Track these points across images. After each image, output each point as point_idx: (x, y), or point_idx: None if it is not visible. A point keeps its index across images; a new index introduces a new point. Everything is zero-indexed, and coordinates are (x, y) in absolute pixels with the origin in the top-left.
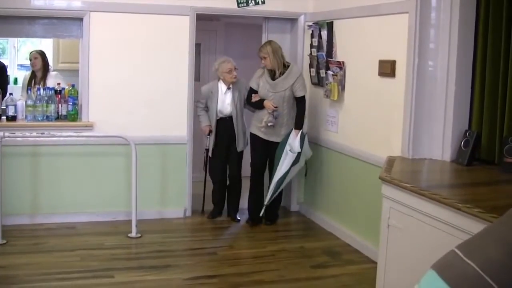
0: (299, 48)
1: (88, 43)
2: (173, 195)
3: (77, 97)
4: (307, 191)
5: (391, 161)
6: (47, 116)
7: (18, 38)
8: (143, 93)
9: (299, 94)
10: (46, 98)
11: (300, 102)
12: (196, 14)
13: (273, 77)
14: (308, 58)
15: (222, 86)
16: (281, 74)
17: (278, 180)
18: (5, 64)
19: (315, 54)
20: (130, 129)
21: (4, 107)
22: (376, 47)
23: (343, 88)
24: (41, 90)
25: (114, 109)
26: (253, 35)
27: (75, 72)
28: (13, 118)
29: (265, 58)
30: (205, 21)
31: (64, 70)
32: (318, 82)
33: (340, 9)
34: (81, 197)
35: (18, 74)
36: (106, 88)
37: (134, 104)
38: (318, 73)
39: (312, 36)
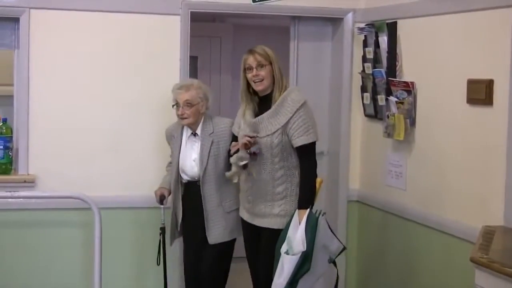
0: (345, 63)
1: (28, 56)
2: (154, 283)
3: (11, 137)
4: (359, 278)
5: (489, 233)
6: None
7: None
8: (108, 132)
9: (298, 142)
10: None
11: (303, 156)
12: (191, 12)
13: (259, 112)
14: (359, 77)
15: (186, 130)
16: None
17: None
18: None
19: (370, 72)
20: (89, 185)
21: None
22: (463, 59)
23: (412, 123)
24: None
25: (65, 155)
26: (275, 43)
27: (7, 99)
28: None
29: (262, 66)
30: (204, 23)
31: None
32: (375, 113)
33: (406, 2)
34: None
35: None
36: (54, 124)
37: (96, 148)
38: (374, 99)
39: (365, 44)
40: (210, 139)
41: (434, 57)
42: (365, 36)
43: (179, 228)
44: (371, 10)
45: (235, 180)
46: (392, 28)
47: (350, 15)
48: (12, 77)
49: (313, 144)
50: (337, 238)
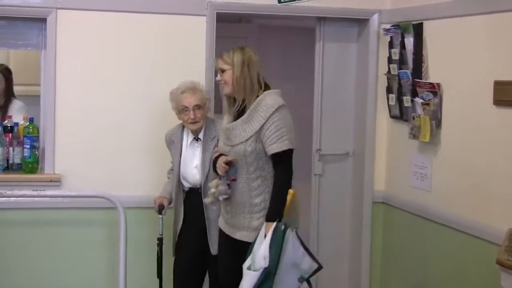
0: (371, 64)
1: (54, 57)
2: None
3: (38, 137)
4: (383, 280)
5: None
6: None
7: None
8: (135, 132)
9: (271, 150)
10: None
11: (276, 165)
12: (217, 13)
13: (237, 118)
14: (385, 78)
15: (187, 134)
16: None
17: None
18: None
19: (396, 73)
20: (115, 185)
21: None
22: (490, 61)
23: (438, 124)
24: None
25: (92, 155)
26: (300, 44)
27: (34, 99)
28: None
29: (223, 72)
30: (229, 24)
31: (16, 95)
32: (401, 115)
33: (433, 3)
34: None
35: None
36: (80, 123)
37: (122, 148)
38: (400, 101)
39: (391, 45)
40: (212, 143)
41: (460, 58)
42: (391, 37)
43: (174, 238)
44: (397, 11)
45: (215, 206)
46: (418, 29)
47: (376, 16)
48: (39, 77)
49: (287, 152)
50: (312, 256)
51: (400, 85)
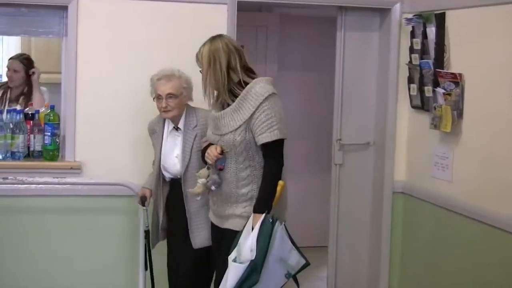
0: (392, 54)
1: (76, 45)
2: None
3: (58, 124)
4: (403, 271)
5: None
6: (13, 153)
7: None
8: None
9: (261, 139)
10: (11, 126)
11: (267, 155)
12: (238, 1)
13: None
14: (406, 68)
15: (168, 124)
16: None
17: None
18: None
19: (417, 63)
20: (135, 173)
21: None
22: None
23: (460, 114)
24: (4, 113)
25: (112, 143)
26: (322, 34)
27: (55, 87)
28: None
29: (201, 70)
30: (250, 13)
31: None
32: (422, 105)
33: None
34: (63, 277)
35: None
36: (101, 112)
37: (141, 136)
38: (421, 91)
39: (412, 35)
40: (193, 132)
41: (483, 49)
42: (413, 27)
43: (160, 230)
44: (419, 1)
45: (198, 198)
46: (440, 19)
47: (397, 6)
48: (60, 65)
49: (278, 142)
50: (299, 252)
51: (421, 75)
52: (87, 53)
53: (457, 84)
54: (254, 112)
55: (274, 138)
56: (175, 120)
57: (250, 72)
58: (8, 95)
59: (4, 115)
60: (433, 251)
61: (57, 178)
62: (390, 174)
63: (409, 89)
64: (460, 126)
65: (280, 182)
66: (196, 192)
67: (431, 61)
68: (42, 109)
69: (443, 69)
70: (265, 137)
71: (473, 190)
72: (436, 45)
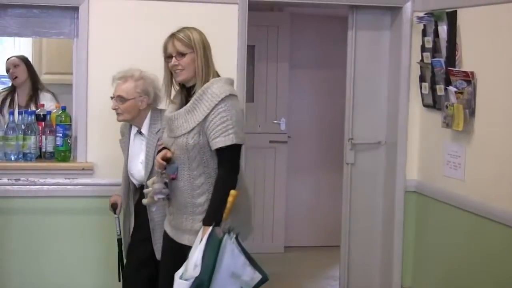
0: (403, 52)
1: (87, 45)
2: None
3: (70, 125)
4: (416, 271)
5: None
6: (25, 154)
7: None
8: None
9: (214, 144)
10: (23, 127)
11: (220, 162)
12: (249, 1)
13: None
14: (418, 67)
15: (133, 127)
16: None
17: None
18: None
19: (429, 61)
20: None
21: None
22: None
23: (472, 113)
24: (16, 114)
25: None
26: (333, 33)
27: (66, 87)
28: None
29: (182, 55)
30: (261, 12)
31: (49, 84)
32: (434, 103)
33: None
34: (74, 277)
35: None
36: (113, 112)
37: None
38: (433, 89)
39: (424, 33)
40: (156, 137)
41: (494, 47)
42: (424, 25)
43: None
44: None
45: (154, 209)
46: (451, 17)
47: (409, 4)
48: (71, 66)
49: (233, 148)
50: (254, 266)
51: (433, 73)
52: (98, 54)
53: (469, 82)
54: (208, 114)
55: (228, 143)
56: (137, 124)
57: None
58: (17, 100)
59: (16, 116)
60: (446, 251)
61: (69, 179)
62: (402, 173)
63: (420, 87)
64: (472, 125)
65: (232, 192)
66: (144, 203)
67: (442, 60)
68: (54, 110)
69: (455, 67)
70: (219, 142)
71: (486, 189)
72: (447, 43)
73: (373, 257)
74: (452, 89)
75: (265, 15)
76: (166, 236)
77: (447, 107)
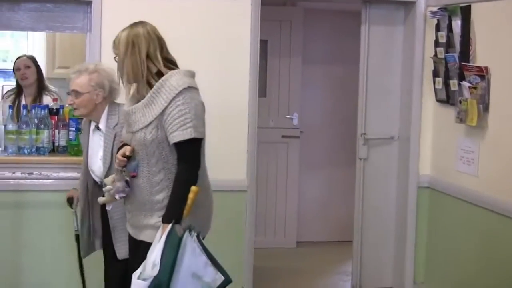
0: (417, 47)
1: (100, 40)
2: (226, 267)
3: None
4: (428, 266)
5: None
6: (38, 148)
7: None
8: None
9: (172, 138)
10: (36, 121)
11: (179, 157)
12: None
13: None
14: (431, 62)
15: (92, 122)
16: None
17: None
18: None
19: (443, 56)
20: None
21: None
22: None
23: (486, 108)
24: (29, 108)
25: None
26: (346, 27)
27: None
28: None
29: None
30: (273, 7)
31: (62, 79)
32: (447, 98)
33: None
34: (88, 271)
35: None
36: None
37: None
38: (446, 84)
39: (437, 28)
40: (113, 132)
41: (509, 41)
42: (438, 20)
43: (92, 239)
44: None
45: (109, 208)
46: (465, 12)
47: None
48: (84, 61)
49: (192, 142)
50: (217, 267)
51: (447, 68)
52: (111, 48)
53: (483, 77)
54: (166, 107)
55: (187, 137)
56: (93, 119)
57: (171, 64)
58: (23, 101)
59: (30, 111)
60: (459, 246)
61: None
62: (415, 169)
63: (434, 82)
64: (486, 120)
65: (193, 188)
66: (101, 202)
67: (456, 54)
68: (67, 104)
69: (468, 62)
70: (176, 136)
71: (499, 185)
72: (461, 38)
73: (385, 253)
74: (465, 84)
75: (278, 9)
76: (129, 236)
77: (460, 102)
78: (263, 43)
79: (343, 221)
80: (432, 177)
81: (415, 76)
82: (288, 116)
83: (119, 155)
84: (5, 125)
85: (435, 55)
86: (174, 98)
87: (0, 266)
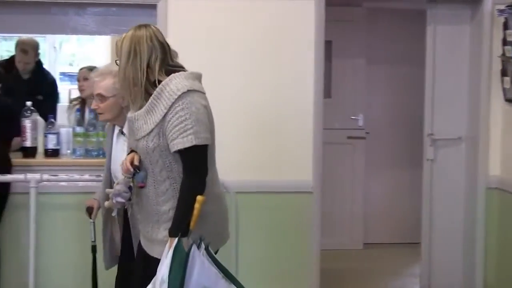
0: (484, 47)
1: None
2: (292, 269)
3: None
4: (500, 270)
5: None
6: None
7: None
8: (245, 117)
9: (173, 146)
10: (103, 124)
11: (184, 165)
12: None
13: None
14: (499, 61)
15: (116, 126)
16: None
17: None
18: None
19: (511, 55)
20: (226, 170)
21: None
22: None
23: None
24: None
25: None
26: (410, 27)
27: None
28: (54, 153)
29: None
30: (336, 7)
31: None
32: None
33: None
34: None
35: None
36: None
37: (232, 133)
38: None
39: (505, 26)
40: None
41: None
42: (506, 18)
43: (117, 250)
44: None
45: (114, 214)
46: None
47: None
48: None
49: (195, 149)
50: (230, 278)
51: None
52: (177, 51)
53: None
54: (166, 114)
55: (187, 145)
56: (118, 123)
57: (177, 68)
58: (86, 112)
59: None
60: None
61: None
62: (484, 169)
63: (502, 82)
64: None
65: (199, 198)
66: (107, 206)
67: None
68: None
69: None
70: (177, 144)
71: None
72: None
73: (455, 255)
74: None
75: (342, 10)
76: (139, 244)
77: None
78: (328, 44)
79: (409, 223)
80: (502, 178)
81: (483, 76)
82: (353, 117)
83: (127, 162)
84: (73, 128)
85: (503, 54)
86: (173, 103)
87: (66, 268)
